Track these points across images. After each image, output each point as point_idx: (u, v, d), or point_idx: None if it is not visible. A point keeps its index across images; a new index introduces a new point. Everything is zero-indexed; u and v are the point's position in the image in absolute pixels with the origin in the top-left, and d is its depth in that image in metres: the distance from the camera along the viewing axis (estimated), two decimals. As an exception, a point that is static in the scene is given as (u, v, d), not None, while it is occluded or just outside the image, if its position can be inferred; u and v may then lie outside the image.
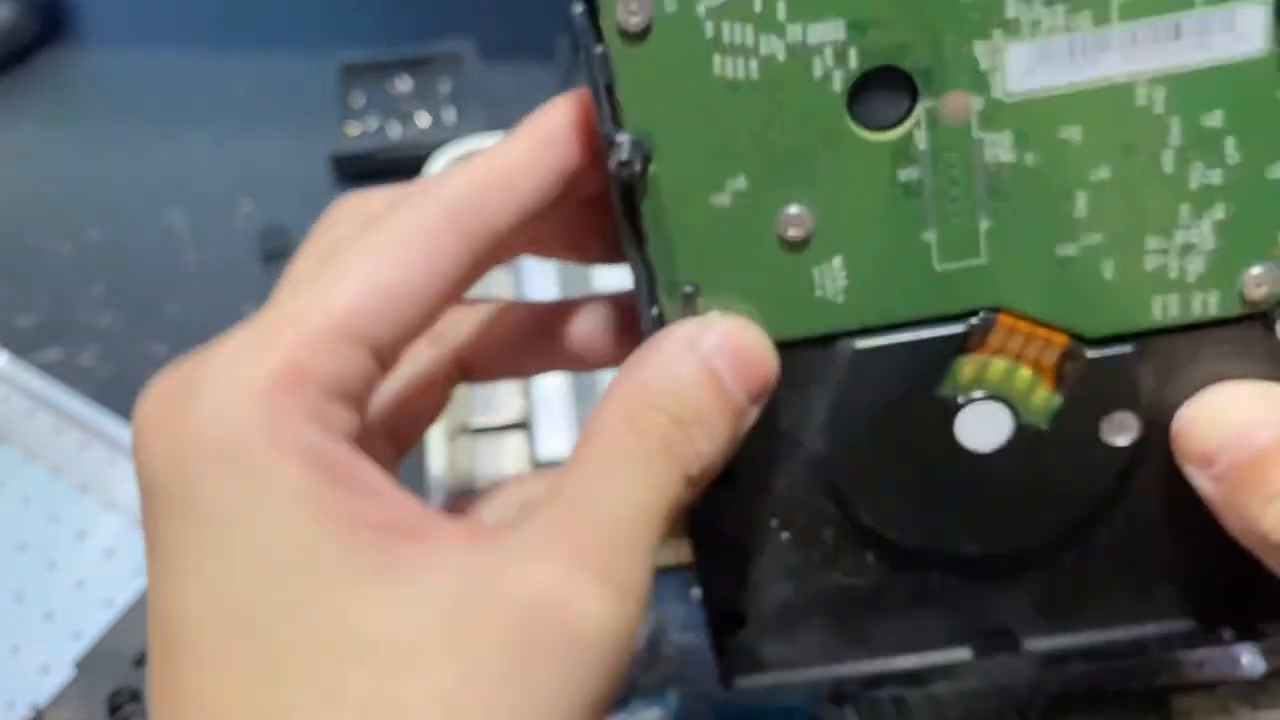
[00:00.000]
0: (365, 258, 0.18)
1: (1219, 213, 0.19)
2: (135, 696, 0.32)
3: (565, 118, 0.20)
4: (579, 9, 0.18)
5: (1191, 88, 0.18)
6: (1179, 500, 0.21)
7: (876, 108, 0.19)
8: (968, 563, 0.22)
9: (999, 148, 0.19)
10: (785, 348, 0.20)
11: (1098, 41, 0.18)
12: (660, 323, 0.20)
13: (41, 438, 0.40)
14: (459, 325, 0.24)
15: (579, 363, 0.24)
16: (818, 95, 0.18)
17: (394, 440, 0.23)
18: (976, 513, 0.21)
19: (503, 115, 0.49)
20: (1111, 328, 0.20)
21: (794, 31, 0.18)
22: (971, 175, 0.19)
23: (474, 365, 0.24)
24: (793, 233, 0.19)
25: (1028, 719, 0.28)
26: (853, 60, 0.18)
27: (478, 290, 0.21)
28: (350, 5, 0.58)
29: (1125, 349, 0.20)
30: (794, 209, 0.19)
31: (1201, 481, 0.20)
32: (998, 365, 0.20)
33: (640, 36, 0.18)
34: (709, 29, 0.18)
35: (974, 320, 0.20)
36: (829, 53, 0.18)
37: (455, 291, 0.19)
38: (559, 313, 0.24)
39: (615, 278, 0.34)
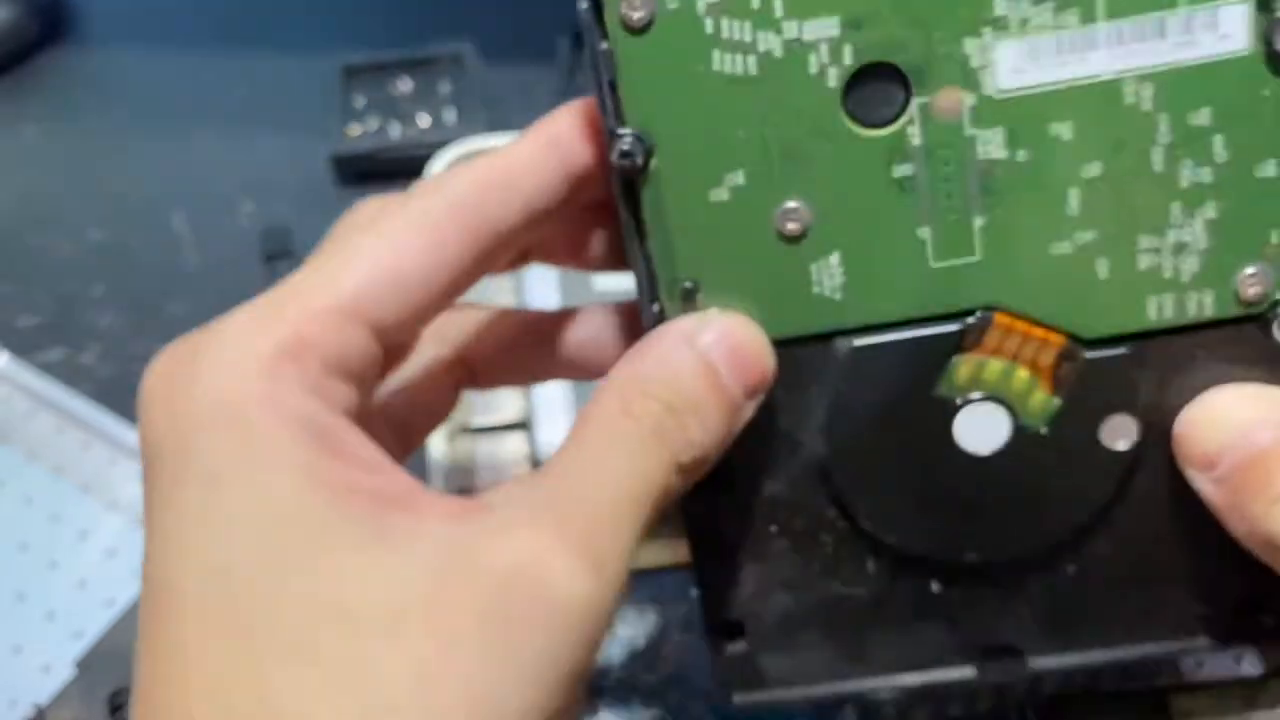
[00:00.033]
0: (372, 243, 0.19)
1: (1210, 211, 0.19)
2: (136, 696, 0.32)
3: (571, 122, 0.20)
4: (585, 5, 0.18)
5: (1178, 85, 0.19)
6: (1182, 509, 0.20)
7: (871, 104, 0.19)
8: (969, 573, 0.22)
9: (991, 144, 0.19)
10: (784, 347, 0.20)
11: (1085, 39, 0.18)
12: (660, 319, 0.20)
13: (43, 438, 0.40)
14: (466, 329, 0.24)
15: (583, 370, 0.24)
16: (813, 91, 0.19)
17: (398, 438, 0.23)
18: (976, 518, 0.21)
19: (503, 116, 0.49)
20: (1108, 328, 0.20)
21: (790, 28, 0.18)
22: (964, 172, 0.19)
23: (479, 370, 0.25)
24: (790, 227, 0.19)
25: (1026, 718, 0.28)
26: (847, 56, 0.19)
27: (482, 299, 0.22)
28: (351, 7, 0.58)
29: (1122, 350, 0.20)
30: (791, 204, 0.19)
31: (1204, 485, 0.19)
32: (995, 366, 0.20)
33: (642, 32, 0.18)
34: (709, 25, 0.18)
35: (970, 319, 0.20)
36: (824, 49, 0.19)
37: (459, 284, 0.20)
38: (564, 320, 0.24)
39: (616, 284, 0.34)
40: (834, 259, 0.20)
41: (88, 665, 0.33)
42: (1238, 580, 0.21)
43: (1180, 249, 0.19)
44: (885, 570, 0.22)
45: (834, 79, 0.19)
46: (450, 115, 0.50)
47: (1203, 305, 0.20)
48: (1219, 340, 0.20)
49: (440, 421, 0.25)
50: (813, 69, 0.19)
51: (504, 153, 0.20)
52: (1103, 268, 0.19)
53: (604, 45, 0.18)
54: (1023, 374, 0.20)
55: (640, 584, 0.34)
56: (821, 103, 0.19)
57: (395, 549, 0.16)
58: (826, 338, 0.20)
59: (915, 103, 0.19)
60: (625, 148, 0.19)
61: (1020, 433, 0.20)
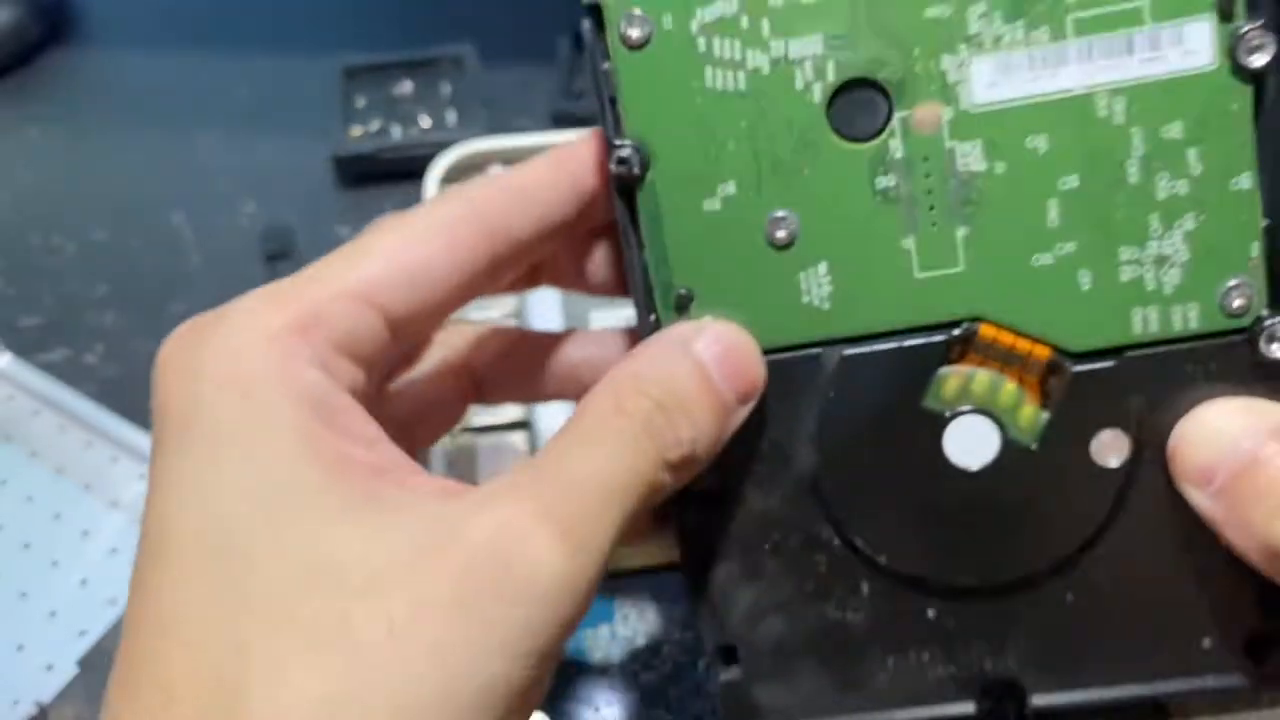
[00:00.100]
0: (391, 238, 0.20)
1: (1189, 223, 0.19)
2: (138, 694, 0.32)
3: (584, 148, 0.22)
4: (588, 25, 0.20)
5: (1149, 99, 0.19)
6: (1181, 534, 0.20)
7: (854, 118, 0.20)
8: (966, 599, 0.21)
9: (970, 157, 0.20)
10: (775, 358, 0.21)
11: (1056, 55, 0.19)
12: (656, 329, 0.21)
13: (45, 437, 0.40)
14: (473, 342, 0.25)
15: (585, 390, 0.25)
16: (799, 105, 0.20)
17: (402, 442, 0.24)
18: (969, 538, 0.21)
19: (503, 117, 0.50)
20: (1094, 341, 0.20)
21: (777, 46, 0.20)
22: (945, 183, 0.20)
23: (485, 383, 0.25)
24: (779, 235, 0.20)
25: (1024, 718, 0.28)
26: (830, 73, 0.20)
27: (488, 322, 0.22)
28: (352, 9, 0.58)
29: (1110, 363, 0.20)
30: (780, 213, 0.20)
31: (1201, 501, 0.19)
32: (982, 378, 0.20)
33: (641, 51, 0.20)
34: (701, 44, 0.20)
35: (956, 330, 0.20)
36: (809, 66, 0.20)
37: (471, 287, 0.21)
38: (568, 340, 0.25)
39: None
40: (821, 268, 0.20)
41: (90, 664, 0.33)
42: (1246, 613, 0.21)
43: (1162, 261, 0.20)
44: (880, 594, 0.21)
45: (818, 94, 0.20)
46: (451, 116, 0.50)
47: (1187, 318, 0.20)
48: (1206, 355, 0.20)
49: (445, 431, 0.26)
50: (798, 85, 0.20)
51: (520, 169, 0.21)
52: (1085, 279, 0.20)
53: (605, 65, 0.20)
54: (1010, 387, 0.20)
55: (640, 583, 0.34)
56: (807, 116, 0.20)
57: (380, 517, 0.17)
58: (816, 348, 0.21)
59: (896, 117, 0.20)
60: (623, 155, 0.20)
61: (1010, 448, 0.20)
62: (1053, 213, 0.20)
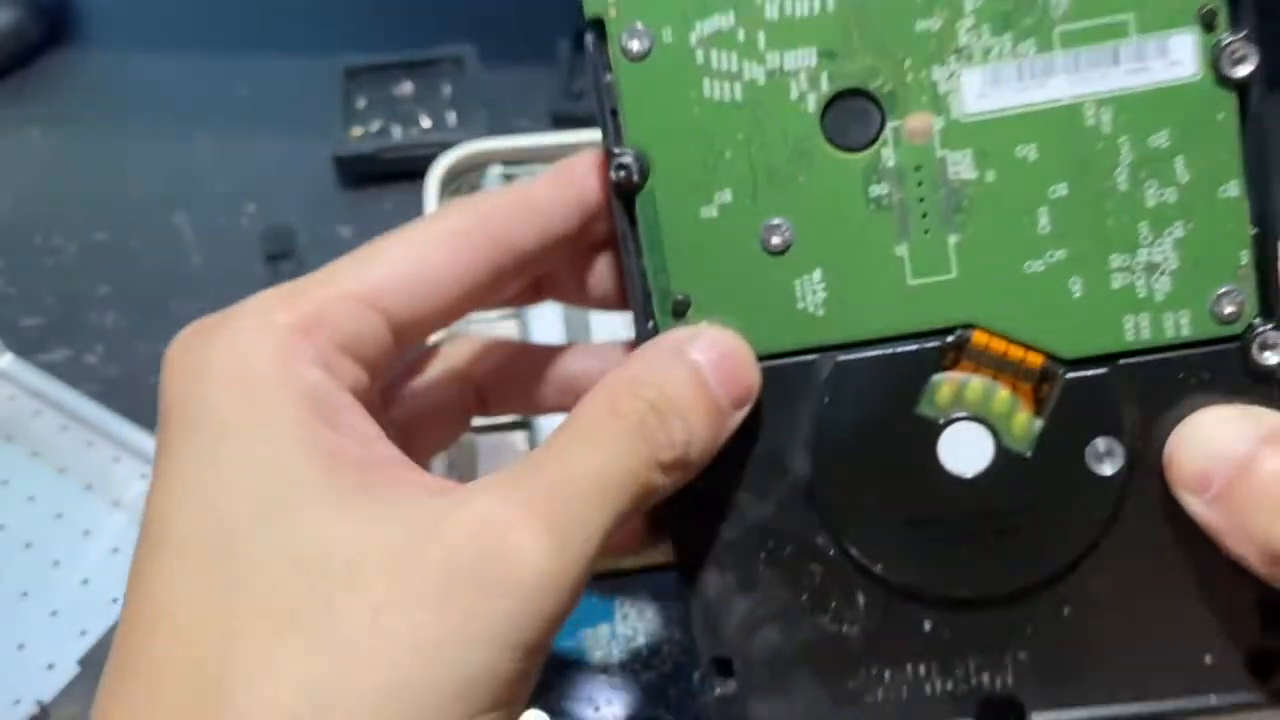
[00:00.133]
0: (398, 245, 0.21)
1: (1178, 231, 0.20)
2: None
3: (588, 163, 0.22)
4: (591, 38, 0.20)
5: (1136, 109, 0.20)
6: (1181, 546, 0.20)
7: (848, 128, 0.20)
8: (962, 611, 0.21)
9: (961, 165, 0.20)
10: (771, 364, 0.21)
11: (1044, 66, 0.20)
12: (654, 335, 0.21)
13: (47, 437, 0.40)
14: (476, 353, 0.25)
15: None
16: (794, 115, 0.20)
17: (404, 450, 0.24)
18: (964, 546, 0.21)
19: (503, 117, 0.50)
20: (1086, 348, 0.20)
21: (772, 58, 0.20)
22: (937, 192, 0.20)
23: (488, 395, 0.25)
24: (774, 242, 0.20)
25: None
26: (824, 84, 0.20)
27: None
28: (353, 9, 0.58)
29: (1103, 371, 0.20)
30: (776, 221, 0.20)
31: (1199, 509, 0.19)
32: (976, 385, 0.20)
33: (641, 63, 0.20)
34: (699, 56, 0.20)
35: (949, 337, 0.20)
36: (803, 77, 0.20)
37: (475, 295, 0.21)
38: (569, 353, 0.26)
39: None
40: (816, 275, 0.20)
41: (91, 663, 0.33)
42: (1248, 628, 0.21)
43: (1152, 269, 0.20)
44: (876, 605, 0.21)
45: (812, 105, 0.20)
46: (451, 117, 0.50)
47: (1179, 326, 0.20)
48: (1200, 363, 0.20)
49: (448, 441, 0.26)
50: (793, 95, 0.20)
51: (526, 183, 0.22)
52: (1076, 286, 0.20)
53: (607, 78, 0.20)
54: (1004, 394, 0.20)
55: (640, 583, 0.34)
56: (801, 126, 0.20)
57: (370, 510, 0.17)
58: (811, 354, 0.21)
59: (889, 126, 0.20)
60: (624, 163, 0.20)
61: (1004, 455, 0.21)
62: (1043, 220, 0.20)
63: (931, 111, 0.20)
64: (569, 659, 0.33)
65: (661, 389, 0.19)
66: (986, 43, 0.20)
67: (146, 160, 0.51)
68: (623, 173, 0.20)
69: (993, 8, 0.20)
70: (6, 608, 0.36)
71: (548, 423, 0.35)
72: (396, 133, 0.49)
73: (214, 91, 0.54)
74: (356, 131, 0.49)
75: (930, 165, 0.20)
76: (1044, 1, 0.19)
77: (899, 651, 0.21)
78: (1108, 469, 0.20)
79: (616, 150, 0.20)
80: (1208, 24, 0.19)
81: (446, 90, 0.51)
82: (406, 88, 0.51)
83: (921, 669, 0.21)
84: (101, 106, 0.54)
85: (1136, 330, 0.20)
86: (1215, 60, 0.19)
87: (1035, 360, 0.20)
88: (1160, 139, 0.19)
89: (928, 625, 0.21)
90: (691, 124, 0.20)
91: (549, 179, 0.22)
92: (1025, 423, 0.20)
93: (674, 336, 0.20)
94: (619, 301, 0.24)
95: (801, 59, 0.20)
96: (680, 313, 0.21)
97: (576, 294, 0.25)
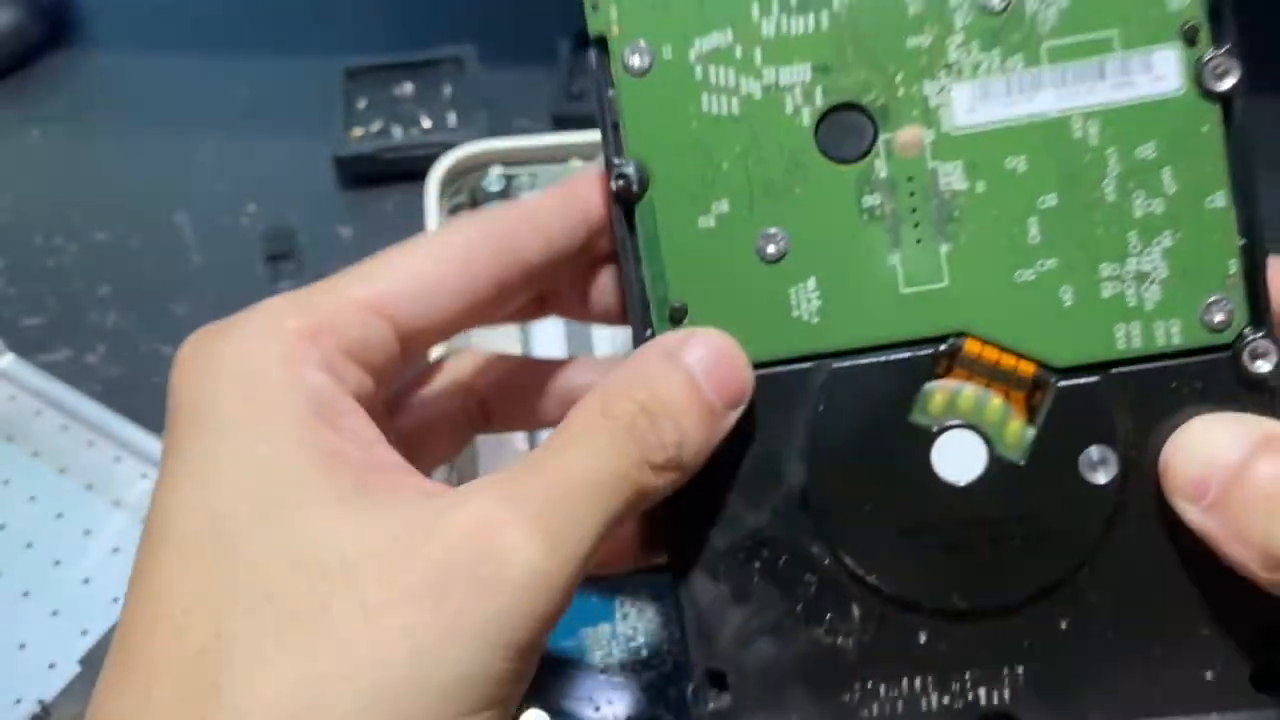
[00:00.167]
0: (407, 255, 0.21)
1: (1167, 240, 0.20)
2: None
3: (590, 181, 0.23)
4: (594, 54, 0.21)
5: (1122, 122, 0.20)
6: (1177, 558, 0.20)
7: (842, 141, 0.21)
8: (958, 623, 0.21)
9: (952, 176, 0.20)
10: (765, 372, 0.21)
11: (1032, 81, 0.20)
12: None
13: (48, 437, 0.40)
14: (479, 367, 0.26)
15: None
16: (790, 129, 0.21)
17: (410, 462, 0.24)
18: (959, 556, 0.21)
19: (504, 118, 0.50)
20: (1078, 356, 0.20)
21: (768, 74, 0.21)
22: (928, 202, 0.20)
23: (493, 410, 0.26)
24: (770, 250, 0.21)
25: None
26: (818, 98, 0.21)
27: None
28: (353, 10, 0.58)
29: (1095, 379, 0.20)
30: (771, 230, 0.21)
31: (1196, 517, 0.19)
32: (969, 394, 0.21)
33: (643, 78, 0.21)
34: (698, 71, 0.21)
35: (942, 345, 0.21)
36: (798, 91, 0.21)
37: (481, 307, 0.21)
38: (570, 367, 0.26)
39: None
40: (810, 283, 0.21)
41: (92, 662, 0.34)
42: (1251, 644, 0.20)
43: (1142, 278, 0.20)
44: (871, 617, 0.21)
45: (807, 118, 0.21)
46: (451, 117, 0.50)
47: (1170, 334, 0.20)
48: (1192, 372, 0.20)
49: (452, 454, 0.26)
50: (788, 109, 0.21)
51: (532, 199, 0.23)
52: (1067, 295, 0.20)
53: (610, 93, 0.21)
54: (997, 403, 0.21)
55: (640, 582, 0.34)
56: (796, 139, 0.21)
57: (367, 511, 0.17)
58: (806, 362, 0.21)
59: (881, 139, 0.21)
60: (624, 173, 0.21)
61: (997, 463, 0.21)
62: (1033, 230, 0.20)
63: (923, 125, 0.20)
64: (569, 658, 0.33)
65: (652, 390, 0.19)
66: (975, 58, 0.20)
67: (147, 160, 0.51)
68: (622, 182, 0.21)
69: (981, 25, 0.20)
70: (8, 607, 0.36)
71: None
72: (397, 133, 0.49)
73: (215, 92, 0.54)
74: (357, 132, 0.50)
75: (922, 176, 0.21)
76: (1031, 19, 0.20)
77: (894, 665, 0.21)
78: (1101, 477, 0.20)
79: (617, 161, 0.21)
80: (1190, 39, 0.20)
81: (447, 91, 0.51)
82: (407, 88, 0.51)
83: (917, 684, 0.21)
84: (102, 107, 0.54)
85: (1128, 339, 0.20)
86: (1198, 75, 0.20)
87: (1027, 369, 0.20)
88: (1147, 151, 0.20)
89: (923, 638, 0.21)
90: (690, 137, 0.21)
91: (553, 195, 0.23)
92: (1018, 431, 0.21)
93: (666, 340, 0.20)
94: (620, 316, 0.24)
95: (797, 74, 0.21)
96: (677, 320, 0.21)
97: (579, 309, 0.25)
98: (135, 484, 0.39)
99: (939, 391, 0.21)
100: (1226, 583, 0.19)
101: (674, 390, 0.19)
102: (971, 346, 0.21)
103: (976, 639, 0.21)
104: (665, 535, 0.22)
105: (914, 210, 0.21)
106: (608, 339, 0.37)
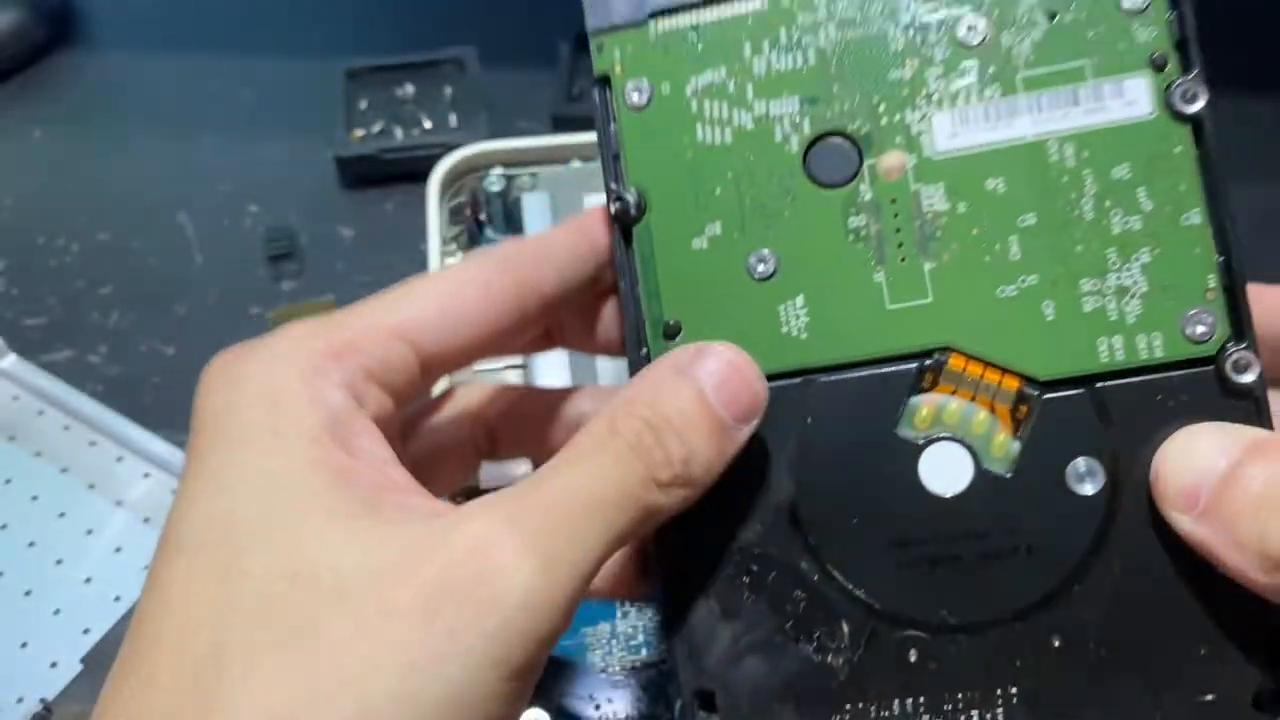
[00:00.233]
0: (430, 283, 0.22)
1: (1145, 256, 0.20)
2: (142, 691, 0.32)
3: (600, 216, 0.24)
4: (597, 91, 0.23)
5: (1097, 144, 0.21)
6: (1175, 581, 0.20)
7: (828, 166, 0.22)
8: (948, 641, 0.21)
9: (934, 198, 0.21)
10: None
11: (1008, 107, 0.21)
12: (646, 361, 0.22)
13: (50, 436, 0.40)
14: (487, 396, 0.26)
15: None
16: (779, 156, 0.22)
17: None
18: (947, 570, 0.21)
19: (504, 119, 0.50)
20: (1061, 369, 0.21)
21: (759, 106, 0.22)
22: (911, 222, 0.21)
23: (500, 438, 0.26)
24: (760, 270, 0.22)
25: None
26: (806, 127, 0.22)
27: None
28: (354, 12, 0.59)
29: (1079, 391, 0.21)
30: (762, 251, 0.22)
31: (1189, 527, 0.19)
32: (954, 407, 0.21)
33: (642, 112, 0.22)
34: (694, 105, 0.22)
35: (927, 360, 0.21)
36: (787, 122, 0.22)
37: (499, 336, 0.22)
38: (576, 395, 0.26)
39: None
40: (799, 300, 0.22)
41: (94, 661, 0.34)
42: (1252, 665, 0.20)
43: (1123, 292, 0.21)
44: (860, 634, 0.21)
45: (795, 146, 0.22)
46: (452, 118, 0.50)
47: (1153, 346, 0.20)
48: (1177, 384, 0.20)
49: (460, 482, 0.26)
50: (778, 138, 0.22)
51: (545, 232, 0.24)
52: (1049, 309, 0.21)
53: (612, 127, 0.23)
54: (982, 417, 0.21)
55: (639, 582, 0.34)
56: (786, 166, 0.22)
57: (371, 528, 0.18)
58: (795, 377, 0.21)
59: (866, 164, 0.22)
60: (623, 198, 0.22)
61: (984, 476, 0.21)
62: (1014, 248, 0.21)
63: (905, 150, 0.21)
64: (569, 658, 0.33)
65: (657, 406, 0.19)
66: (955, 88, 0.21)
67: (149, 161, 0.51)
68: (619, 204, 0.22)
69: (959, 58, 0.21)
70: (10, 606, 0.36)
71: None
72: (398, 134, 0.50)
73: (216, 93, 0.54)
74: (358, 133, 0.50)
75: (905, 198, 0.21)
76: (1007, 51, 0.21)
77: (885, 685, 0.21)
78: (1089, 489, 0.20)
79: (616, 188, 0.22)
80: (1159, 67, 0.21)
81: (448, 92, 0.51)
82: (408, 89, 0.51)
83: (909, 704, 0.21)
84: (104, 108, 0.54)
85: (1110, 351, 0.20)
86: (1168, 99, 0.20)
87: (1011, 383, 0.21)
88: (1122, 171, 0.21)
89: (913, 656, 0.21)
90: (685, 165, 0.22)
91: (566, 229, 0.24)
92: (1004, 444, 0.21)
93: (677, 355, 0.20)
94: (624, 347, 0.24)
95: (786, 106, 0.22)
96: (671, 336, 0.22)
97: (585, 340, 0.26)
98: (137, 483, 0.39)
99: (925, 405, 0.21)
100: (1224, 598, 0.19)
101: (681, 406, 0.19)
102: (956, 361, 0.21)
103: (968, 658, 0.21)
104: (657, 552, 0.22)
105: (898, 230, 0.21)
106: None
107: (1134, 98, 0.21)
